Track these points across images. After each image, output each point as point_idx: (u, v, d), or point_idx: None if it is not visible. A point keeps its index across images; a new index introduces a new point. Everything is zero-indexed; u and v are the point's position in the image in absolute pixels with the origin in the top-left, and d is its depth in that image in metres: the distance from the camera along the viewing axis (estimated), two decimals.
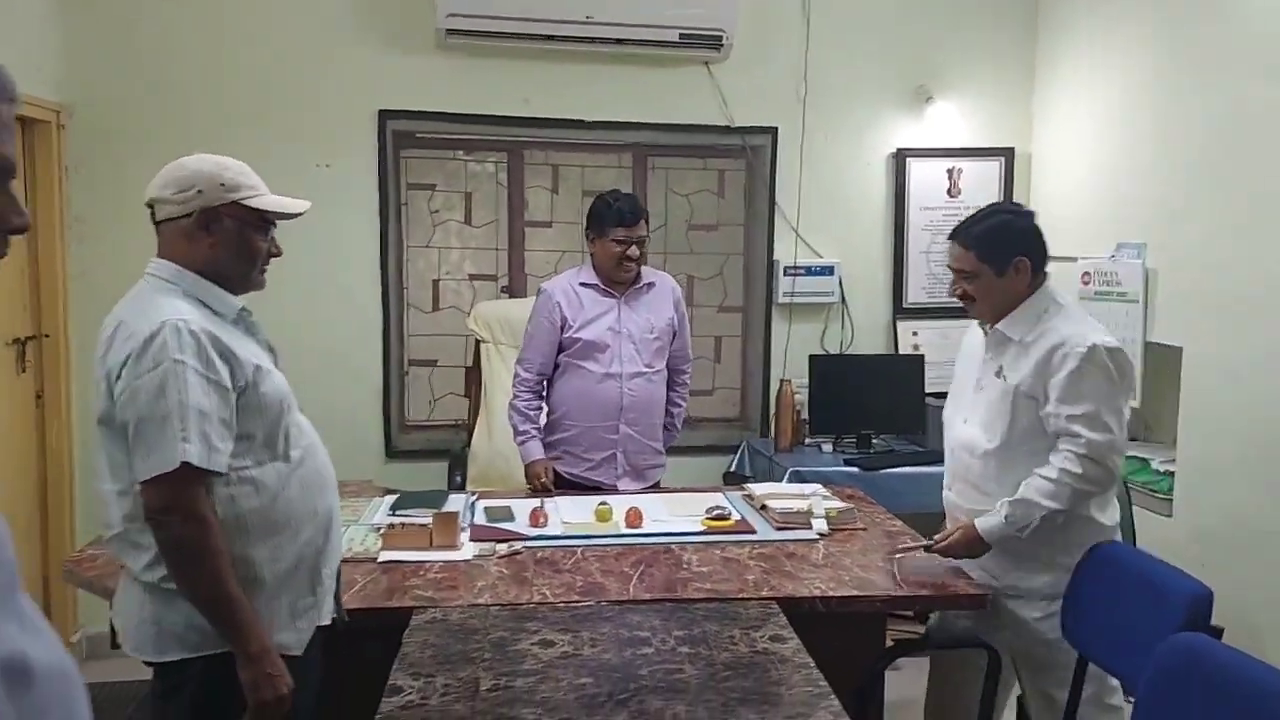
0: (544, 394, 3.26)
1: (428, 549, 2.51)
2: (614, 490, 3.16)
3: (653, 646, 1.94)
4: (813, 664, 1.86)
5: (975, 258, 2.39)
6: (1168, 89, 3.64)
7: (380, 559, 2.45)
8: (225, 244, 1.88)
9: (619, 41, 4.03)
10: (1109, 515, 2.40)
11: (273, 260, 1.96)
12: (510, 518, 2.77)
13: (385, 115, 4.03)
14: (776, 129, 4.29)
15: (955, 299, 2.54)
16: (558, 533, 2.67)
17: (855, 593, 2.28)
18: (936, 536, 2.45)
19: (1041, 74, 4.42)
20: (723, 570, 2.41)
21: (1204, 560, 3.08)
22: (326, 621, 1.95)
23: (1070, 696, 2.25)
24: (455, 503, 2.88)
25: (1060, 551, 2.34)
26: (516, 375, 3.24)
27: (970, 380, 2.53)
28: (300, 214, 1.95)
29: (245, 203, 1.88)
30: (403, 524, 2.60)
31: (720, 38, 4.05)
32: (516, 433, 3.22)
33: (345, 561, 2.18)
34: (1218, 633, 1.98)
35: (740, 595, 2.24)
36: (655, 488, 3.30)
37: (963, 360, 2.65)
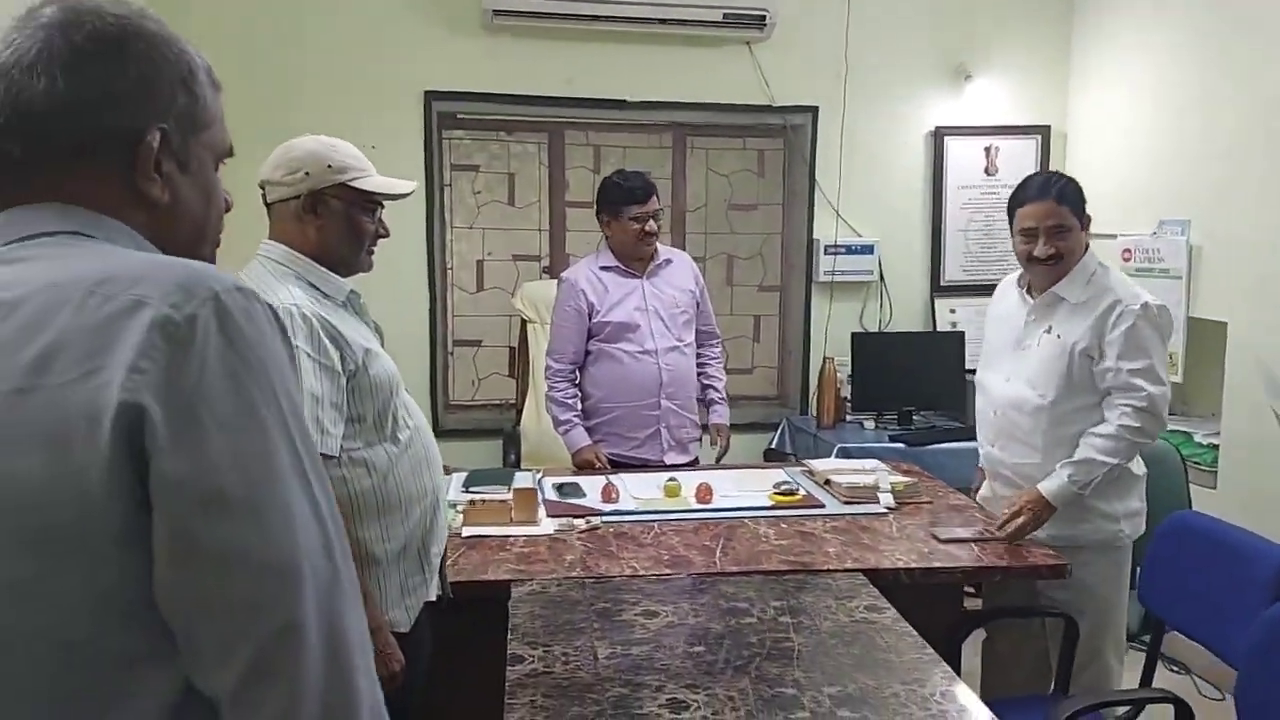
0: (577, 382, 3.29)
1: (508, 524, 2.56)
2: (661, 465, 3.20)
3: (754, 616, 1.99)
4: (915, 633, 1.91)
5: (1069, 212, 2.48)
6: (1209, 64, 3.67)
7: (464, 534, 2.49)
8: (332, 226, 1.91)
9: (662, 21, 4.04)
10: (1139, 466, 2.57)
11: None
12: (581, 494, 2.81)
13: (431, 96, 4.05)
14: (817, 108, 4.31)
15: (1039, 260, 2.49)
16: (631, 508, 2.72)
17: (939, 564, 2.33)
18: (1000, 525, 2.48)
19: (1077, 51, 4.45)
20: (801, 543, 2.46)
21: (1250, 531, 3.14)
22: (433, 598, 1.99)
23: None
24: (523, 479, 2.92)
25: (1100, 500, 2.48)
26: (549, 368, 3.26)
27: (1008, 342, 2.63)
28: (407, 194, 1.98)
29: (352, 184, 1.90)
30: (483, 500, 2.64)
31: (763, 17, 4.06)
32: (558, 423, 3.24)
33: None
34: None
35: (826, 567, 2.29)
36: (696, 462, 3.35)
37: (995, 325, 2.76)
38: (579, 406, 3.25)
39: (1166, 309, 2.47)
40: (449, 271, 4.28)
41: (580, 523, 2.59)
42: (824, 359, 4.22)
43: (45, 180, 0.87)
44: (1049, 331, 2.52)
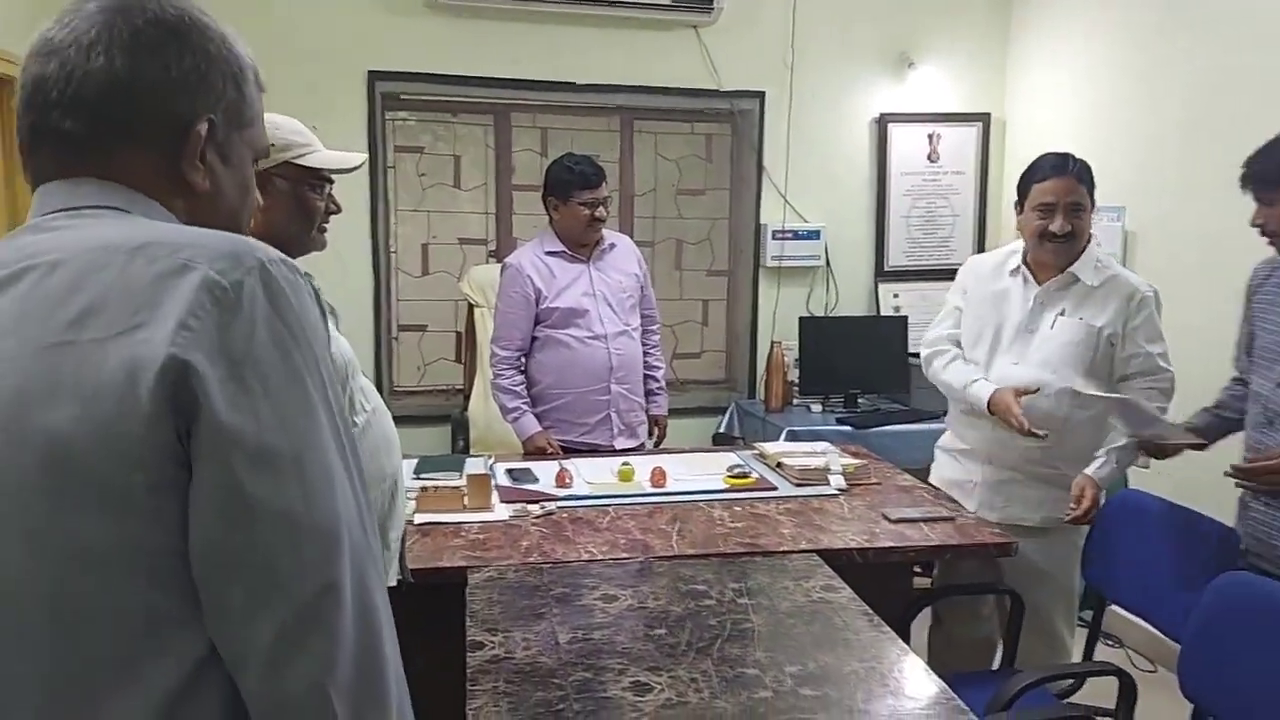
0: (524, 369, 3.26)
1: (461, 511, 2.53)
2: (611, 451, 3.19)
3: (713, 598, 2.00)
4: (872, 611, 1.94)
5: (1086, 191, 2.50)
6: (1141, 52, 3.76)
7: (416, 521, 2.46)
8: (280, 206, 1.85)
9: (610, 4, 4.02)
10: None
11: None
12: (534, 479, 2.80)
13: (374, 77, 3.97)
14: (764, 94, 4.32)
15: (1054, 237, 2.49)
16: (586, 493, 2.71)
17: (890, 544, 2.37)
18: (1074, 519, 2.44)
19: (1016, 39, 4.53)
20: (757, 525, 2.48)
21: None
22: (392, 583, 1.95)
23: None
24: (474, 466, 2.90)
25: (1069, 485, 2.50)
26: (494, 355, 3.22)
27: (1008, 324, 2.60)
28: (356, 168, 1.94)
29: (297, 161, 1.85)
30: (435, 487, 2.61)
31: (710, 1, 4.06)
32: (506, 411, 3.20)
33: None
34: None
35: (781, 549, 2.31)
36: (643, 446, 3.35)
37: (985, 306, 2.67)
38: (526, 393, 3.22)
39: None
40: (393, 255, 4.21)
41: (535, 508, 2.57)
42: (772, 343, 4.25)
43: (92, 157, 0.89)
44: (1064, 314, 2.52)
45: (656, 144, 4.44)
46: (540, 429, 3.18)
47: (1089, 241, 2.56)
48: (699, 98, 4.28)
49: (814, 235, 4.42)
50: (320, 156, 1.89)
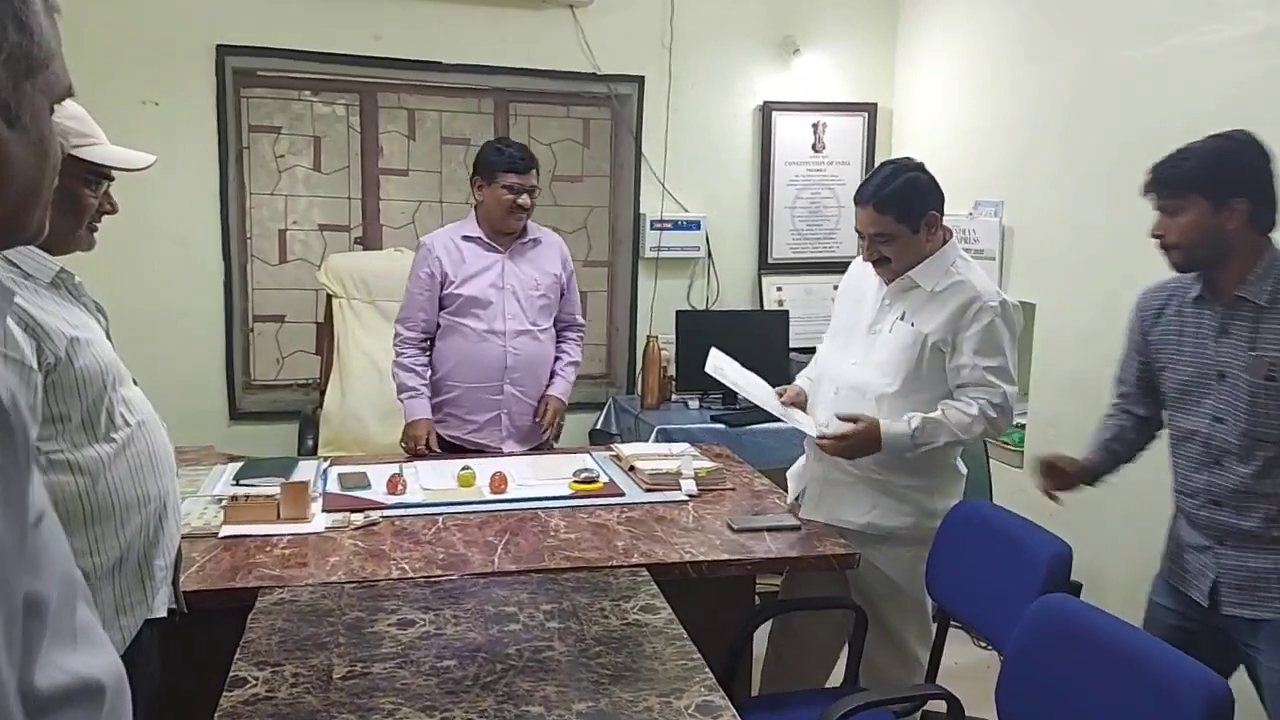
0: (429, 352, 3.07)
1: (274, 522, 2.34)
2: (499, 453, 3.03)
3: (520, 622, 1.85)
4: (685, 635, 1.81)
5: (893, 220, 2.35)
6: (1025, 48, 3.70)
7: (221, 534, 2.26)
8: None
9: None
10: (962, 466, 2.53)
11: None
12: (366, 485, 2.62)
13: (224, 50, 3.71)
14: (643, 78, 4.17)
15: (869, 261, 2.47)
16: (418, 500, 2.54)
17: (726, 557, 2.25)
18: (831, 432, 2.37)
19: (904, 29, 4.45)
20: (591, 537, 2.33)
21: (1052, 511, 3.20)
22: (162, 614, 1.76)
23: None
24: (306, 470, 2.71)
25: (926, 496, 2.43)
26: (397, 335, 3.05)
27: (860, 323, 2.51)
28: (143, 169, 1.74)
29: (73, 153, 1.65)
30: (246, 495, 2.41)
31: None
32: (402, 389, 3.03)
33: (183, 538, 1.99)
34: (1077, 589, 2.02)
35: (610, 564, 2.17)
36: (547, 445, 3.18)
37: (846, 302, 2.62)
38: (427, 377, 3.04)
39: (1019, 307, 2.43)
40: (248, 241, 3.97)
41: (357, 518, 2.39)
42: (647, 338, 4.11)
43: None
44: (902, 318, 2.42)
45: (531, 127, 4.26)
46: (426, 417, 2.99)
47: (946, 241, 2.45)
48: (575, 81, 4.11)
49: (694, 225, 4.29)
50: (102, 151, 1.69)
